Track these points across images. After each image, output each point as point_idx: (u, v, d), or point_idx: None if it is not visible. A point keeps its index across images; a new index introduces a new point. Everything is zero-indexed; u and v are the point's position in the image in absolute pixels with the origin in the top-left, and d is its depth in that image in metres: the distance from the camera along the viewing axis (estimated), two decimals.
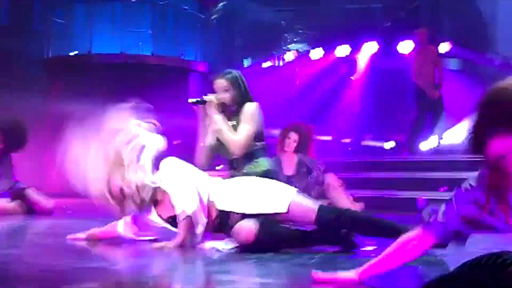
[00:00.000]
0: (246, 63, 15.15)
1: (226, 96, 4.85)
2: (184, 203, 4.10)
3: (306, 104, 12.44)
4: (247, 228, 4.01)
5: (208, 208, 4.17)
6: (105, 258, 4.06)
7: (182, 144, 11.56)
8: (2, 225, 6.18)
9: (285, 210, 4.07)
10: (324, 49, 13.36)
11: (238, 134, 4.78)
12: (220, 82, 4.88)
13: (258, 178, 4.38)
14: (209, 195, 4.20)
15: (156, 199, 4.22)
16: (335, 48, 13.07)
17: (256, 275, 3.11)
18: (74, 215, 7.06)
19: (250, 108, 4.80)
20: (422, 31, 10.17)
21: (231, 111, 4.88)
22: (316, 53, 13.37)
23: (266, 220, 4.07)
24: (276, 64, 14.95)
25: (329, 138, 11.76)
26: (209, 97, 4.86)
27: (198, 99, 4.90)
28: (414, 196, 7.66)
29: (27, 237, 5.32)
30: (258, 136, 4.85)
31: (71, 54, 12.70)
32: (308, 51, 13.75)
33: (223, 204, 4.18)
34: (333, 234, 4.16)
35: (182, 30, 13.51)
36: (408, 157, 9.70)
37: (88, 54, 12.55)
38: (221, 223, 4.18)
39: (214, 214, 4.19)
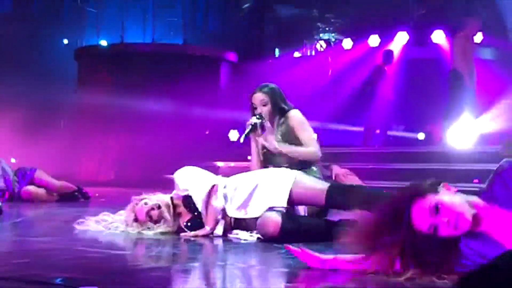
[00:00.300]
0: (278, 53, 15.10)
1: (266, 110, 4.96)
2: (197, 195, 4.34)
3: (339, 94, 12.37)
4: (273, 220, 4.06)
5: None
6: (134, 247, 4.11)
7: (211, 134, 11.66)
8: (37, 212, 6.27)
9: (284, 204, 4.16)
10: (356, 38, 13.26)
11: (307, 144, 4.87)
12: (258, 97, 5.00)
13: (258, 173, 4.51)
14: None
15: (177, 211, 4.49)
16: (367, 37, 12.97)
17: (284, 266, 3.11)
18: (106, 203, 7.12)
19: (298, 115, 4.95)
20: (474, 21, 10.09)
21: (272, 122, 5.01)
22: (348, 43, 13.28)
23: (289, 210, 4.18)
24: (308, 54, 14.87)
25: (360, 129, 11.69)
26: (253, 121, 4.98)
27: (247, 130, 5.01)
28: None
29: (62, 225, 5.37)
30: None
31: (103, 43, 12.78)
32: (341, 41, 13.66)
33: (232, 211, 4.36)
34: None
35: (213, 19, 13.53)
36: (440, 148, 9.59)
37: (120, 43, 12.62)
38: (236, 220, 4.36)
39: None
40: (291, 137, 4.89)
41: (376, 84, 11.30)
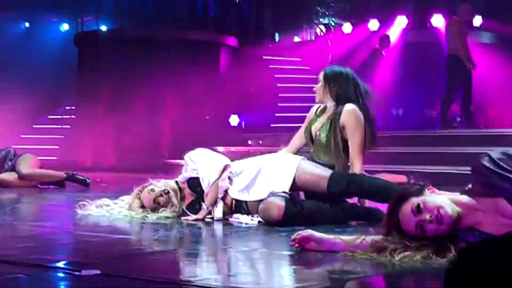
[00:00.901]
0: (278, 37, 15.07)
1: (317, 87, 4.66)
2: (209, 175, 4.33)
3: None
4: (277, 205, 4.06)
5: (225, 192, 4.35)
6: (131, 231, 4.12)
7: (211, 119, 11.65)
8: (36, 197, 6.27)
9: (287, 189, 4.16)
10: (355, 23, 13.24)
11: (355, 152, 4.45)
12: (321, 74, 4.71)
13: (263, 157, 4.45)
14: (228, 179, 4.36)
15: (182, 195, 4.50)
16: (367, 21, 12.95)
17: (287, 249, 3.11)
18: (107, 188, 7.13)
19: (355, 112, 4.48)
20: (469, 7, 10.07)
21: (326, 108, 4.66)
22: (348, 27, 13.26)
23: (292, 195, 4.19)
24: (308, 39, 14.85)
25: None
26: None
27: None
28: (448, 171, 7.57)
29: (63, 210, 5.38)
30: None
31: (103, 29, 12.74)
32: (340, 25, 13.64)
33: (235, 193, 4.33)
34: (361, 209, 4.33)
35: (213, 4, 13.48)
36: (440, 132, 9.60)
37: (119, 29, 12.57)
38: (237, 204, 4.34)
39: (229, 198, 4.37)
40: (336, 141, 4.49)
41: (373, 68, 11.28)
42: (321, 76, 4.68)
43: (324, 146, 4.54)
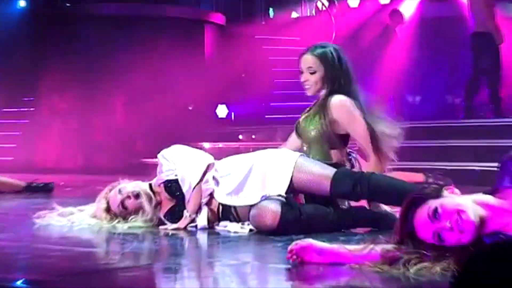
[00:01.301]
0: (272, 13, 15.06)
1: (312, 79, 4.53)
2: (190, 177, 4.32)
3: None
4: (272, 210, 4.07)
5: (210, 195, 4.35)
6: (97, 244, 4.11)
7: (195, 109, 11.63)
8: None
9: (283, 192, 4.15)
10: None
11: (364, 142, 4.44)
12: (306, 60, 4.55)
13: (255, 154, 4.43)
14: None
15: (158, 200, 4.49)
16: None
17: (282, 261, 3.11)
18: (72, 193, 7.12)
19: (344, 103, 4.43)
20: None
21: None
22: (355, 0, 13.26)
23: (289, 199, 4.16)
24: (307, 14, 14.85)
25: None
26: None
27: None
28: (473, 167, 7.59)
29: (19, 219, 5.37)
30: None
31: (65, 4, 12.70)
32: None
33: (221, 197, 4.33)
34: (370, 213, 4.31)
35: None
36: (464, 121, 9.61)
37: (79, 4, 12.51)
38: (224, 210, 4.34)
39: (215, 202, 4.36)
40: (327, 134, 4.46)
41: (384, 48, 11.30)
42: (313, 60, 4.54)
43: (314, 141, 4.52)
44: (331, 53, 4.53)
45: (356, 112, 4.44)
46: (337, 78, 4.50)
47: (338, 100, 4.45)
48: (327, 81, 4.51)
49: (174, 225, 4.31)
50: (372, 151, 4.43)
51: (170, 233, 4.21)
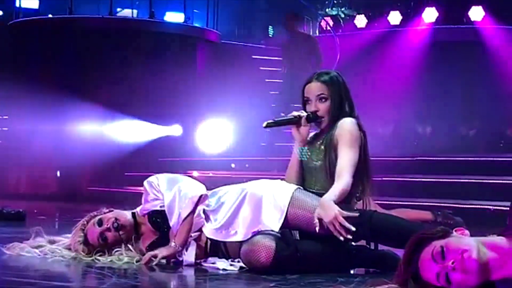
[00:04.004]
0: (272, 32, 15.12)
1: (323, 108, 4.50)
2: (179, 207, 4.30)
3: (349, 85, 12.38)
4: (266, 246, 4.04)
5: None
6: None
7: (185, 127, 11.64)
8: None
9: (277, 228, 4.14)
10: (372, 15, 13.30)
11: (341, 169, 4.33)
12: (314, 88, 4.53)
13: (247, 186, 4.40)
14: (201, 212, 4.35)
15: (140, 232, 4.49)
16: (386, 14, 13.01)
17: None
18: (46, 221, 7.10)
19: (350, 125, 4.45)
20: None
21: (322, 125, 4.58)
22: (362, 20, 13.32)
23: (284, 234, 4.15)
24: (311, 34, 14.89)
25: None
26: (299, 113, 4.52)
27: (283, 119, 4.56)
28: (487, 206, 7.60)
29: None
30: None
31: (48, 16, 12.74)
32: (353, 17, 13.71)
33: (210, 231, 4.32)
34: (371, 253, 4.27)
35: None
36: (479, 155, 9.64)
37: (67, 17, 12.56)
38: (213, 245, 4.34)
39: (203, 237, 4.36)
40: (331, 154, 4.44)
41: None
42: (323, 87, 4.52)
43: (318, 172, 4.51)
44: (337, 78, 4.56)
45: (359, 139, 4.43)
46: (343, 104, 4.52)
47: (347, 120, 4.44)
48: (338, 108, 4.50)
49: (164, 252, 4.26)
50: (347, 173, 4.29)
51: (154, 266, 4.18)
